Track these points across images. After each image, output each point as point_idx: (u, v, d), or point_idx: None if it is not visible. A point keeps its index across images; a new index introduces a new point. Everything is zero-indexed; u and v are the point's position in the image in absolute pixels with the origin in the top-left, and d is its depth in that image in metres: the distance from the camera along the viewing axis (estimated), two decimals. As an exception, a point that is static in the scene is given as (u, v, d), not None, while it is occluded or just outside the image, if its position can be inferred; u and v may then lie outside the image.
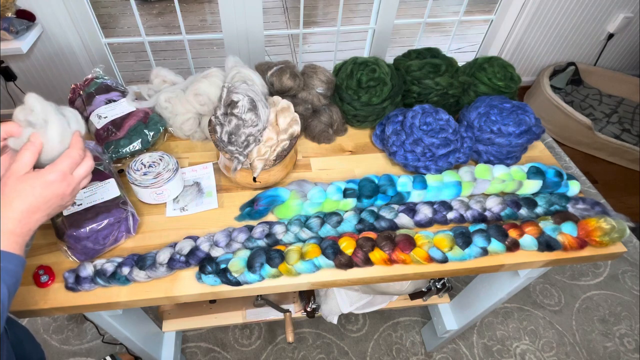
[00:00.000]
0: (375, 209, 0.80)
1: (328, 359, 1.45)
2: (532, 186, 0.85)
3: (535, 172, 0.85)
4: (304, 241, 0.76)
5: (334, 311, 1.26)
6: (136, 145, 0.87)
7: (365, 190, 0.81)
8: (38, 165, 0.55)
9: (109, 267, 0.68)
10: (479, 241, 0.75)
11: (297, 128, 0.82)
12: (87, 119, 0.90)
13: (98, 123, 0.87)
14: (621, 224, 0.75)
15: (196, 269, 0.72)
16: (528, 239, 0.76)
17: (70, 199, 0.57)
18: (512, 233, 0.76)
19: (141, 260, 0.69)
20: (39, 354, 0.86)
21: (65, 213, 0.70)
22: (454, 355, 1.48)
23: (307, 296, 1.27)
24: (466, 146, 0.89)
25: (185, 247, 0.71)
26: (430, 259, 0.74)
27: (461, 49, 3.22)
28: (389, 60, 1.08)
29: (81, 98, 0.93)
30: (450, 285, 1.27)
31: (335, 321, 1.29)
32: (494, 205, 0.81)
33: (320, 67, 0.97)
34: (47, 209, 0.54)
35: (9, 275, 0.48)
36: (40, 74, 2.05)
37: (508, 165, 0.90)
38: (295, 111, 0.85)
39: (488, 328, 1.56)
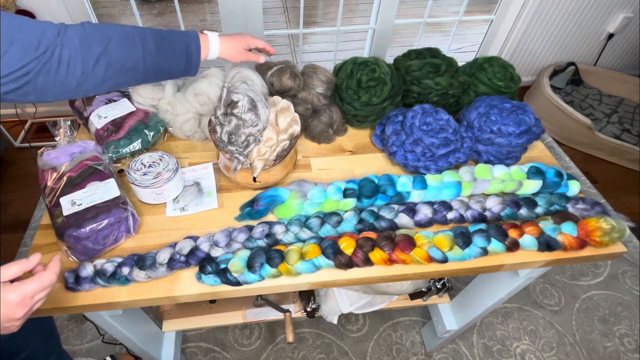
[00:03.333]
0: (375, 209, 0.80)
1: (328, 359, 1.45)
2: (532, 186, 0.85)
3: (535, 172, 0.85)
4: (304, 241, 0.76)
5: (334, 311, 1.26)
6: (136, 145, 0.87)
7: (365, 190, 0.81)
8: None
9: (109, 267, 0.68)
10: (479, 241, 0.75)
11: (297, 128, 0.82)
12: (87, 119, 0.90)
13: (98, 123, 0.87)
14: (621, 224, 0.75)
15: (196, 269, 0.72)
16: (528, 239, 0.76)
17: (17, 324, 0.52)
18: (512, 233, 0.76)
19: (141, 260, 0.69)
20: (52, 342, 0.86)
21: (65, 213, 0.70)
22: (454, 355, 1.48)
23: (307, 296, 1.27)
24: (466, 146, 0.89)
25: (185, 247, 0.71)
26: (430, 259, 0.74)
27: (461, 49, 3.22)
28: (389, 60, 1.08)
29: (81, 98, 0.93)
30: (450, 285, 1.27)
31: (335, 321, 1.29)
32: (494, 205, 0.81)
33: (320, 67, 0.97)
34: None
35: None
36: (40, 74, 2.05)
37: (508, 165, 0.90)
38: (295, 111, 0.85)
39: (488, 328, 1.56)
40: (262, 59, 0.90)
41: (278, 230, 0.76)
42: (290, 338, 1.19)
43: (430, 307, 1.42)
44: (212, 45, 0.77)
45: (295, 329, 1.50)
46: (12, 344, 0.79)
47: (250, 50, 0.87)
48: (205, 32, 0.78)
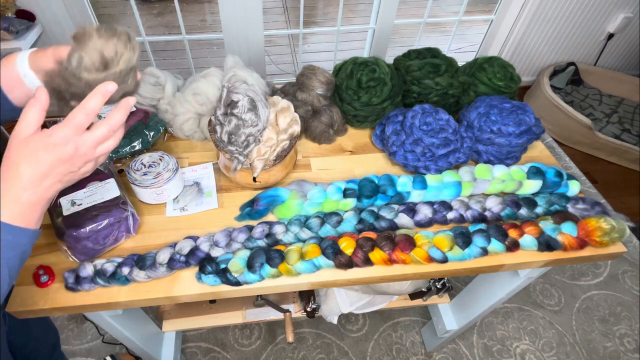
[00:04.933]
0: (375, 209, 0.80)
1: (328, 359, 1.45)
2: (532, 186, 0.85)
3: (535, 172, 0.85)
4: (304, 241, 0.76)
5: (334, 311, 1.26)
6: (136, 145, 0.87)
7: (365, 190, 0.81)
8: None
9: (109, 267, 0.68)
10: (479, 241, 0.75)
11: (297, 128, 0.82)
12: (87, 119, 0.90)
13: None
14: (621, 224, 0.75)
15: (196, 269, 0.72)
16: (528, 239, 0.76)
17: (83, 165, 0.49)
18: (512, 233, 0.76)
19: (141, 260, 0.69)
20: (52, 337, 0.86)
21: (65, 213, 0.70)
22: (454, 355, 1.48)
23: (307, 296, 1.27)
24: (466, 146, 0.89)
25: (185, 247, 0.71)
26: (430, 259, 0.74)
27: (461, 49, 3.22)
28: (389, 60, 1.08)
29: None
30: (450, 285, 1.27)
31: (335, 321, 1.29)
32: (494, 205, 0.81)
33: (319, 68, 0.97)
34: (57, 175, 0.47)
35: (9, 249, 0.44)
36: (40, 74, 2.05)
37: (508, 165, 0.90)
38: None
39: (488, 328, 1.56)
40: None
41: (278, 230, 0.76)
42: (290, 338, 1.19)
43: (430, 307, 1.42)
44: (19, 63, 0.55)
45: (295, 329, 1.50)
46: (15, 338, 0.78)
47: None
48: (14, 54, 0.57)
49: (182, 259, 0.70)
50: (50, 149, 0.46)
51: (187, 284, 0.71)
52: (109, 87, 0.49)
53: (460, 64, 1.08)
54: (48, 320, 0.87)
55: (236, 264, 0.70)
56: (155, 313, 1.47)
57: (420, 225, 0.80)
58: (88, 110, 0.48)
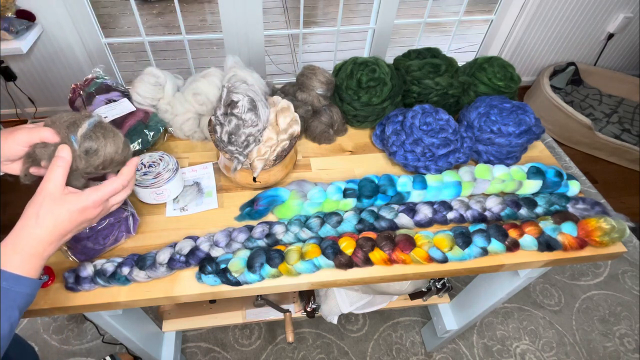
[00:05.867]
0: (375, 209, 0.80)
1: (328, 359, 1.45)
2: (532, 186, 0.85)
3: (535, 172, 0.85)
4: (304, 241, 0.76)
5: (334, 311, 1.26)
6: (136, 145, 0.87)
7: (365, 190, 0.81)
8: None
9: (109, 267, 0.68)
10: (479, 241, 0.75)
11: (297, 128, 0.82)
12: (87, 119, 0.90)
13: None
14: (621, 224, 0.75)
15: (196, 269, 0.72)
16: (528, 239, 0.76)
17: (94, 222, 0.57)
18: (512, 233, 0.76)
19: (141, 260, 0.69)
20: (30, 357, 0.85)
21: (65, 213, 0.70)
22: (454, 355, 1.48)
23: (307, 296, 1.27)
24: (466, 146, 0.89)
25: (185, 247, 0.71)
26: (430, 259, 0.74)
27: (461, 49, 3.22)
28: (389, 60, 1.08)
29: (81, 98, 0.93)
30: (450, 285, 1.27)
31: (335, 321, 1.29)
32: (494, 205, 0.81)
33: (319, 68, 0.97)
34: (73, 232, 0.53)
35: (23, 299, 0.48)
36: (40, 74, 2.05)
37: (508, 165, 0.90)
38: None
39: (488, 328, 1.56)
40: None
41: (278, 230, 0.76)
42: (290, 338, 1.19)
43: (430, 307, 1.42)
44: None
45: (295, 329, 1.50)
46: None
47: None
48: None
49: (182, 259, 0.70)
50: (82, 210, 0.51)
51: (187, 284, 0.71)
52: (135, 162, 0.59)
53: (460, 64, 1.08)
54: (22, 341, 0.86)
55: (236, 264, 0.70)
56: (155, 313, 1.47)
57: (420, 225, 0.80)
58: (123, 182, 0.56)
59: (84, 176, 0.57)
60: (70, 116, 0.56)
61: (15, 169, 0.56)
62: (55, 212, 0.49)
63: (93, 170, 0.57)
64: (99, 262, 0.69)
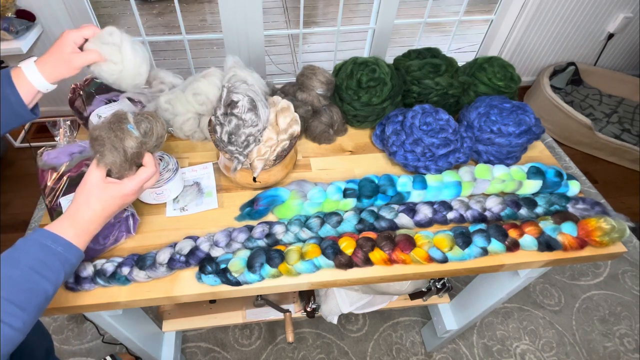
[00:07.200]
0: (375, 209, 0.80)
1: (328, 359, 1.45)
2: (532, 186, 0.85)
3: (535, 172, 0.85)
4: (304, 241, 0.76)
5: (334, 311, 1.26)
6: (136, 145, 0.87)
7: (365, 190, 0.81)
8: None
9: (109, 267, 0.68)
10: (479, 241, 0.75)
11: (297, 128, 0.82)
12: (87, 119, 0.90)
13: (98, 123, 0.87)
14: (621, 224, 0.75)
15: (196, 269, 0.72)
16: (528, 239, 0.76)
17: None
18: (512, 233, 0.76)
19: (141, 260, 0.69)
20: (46, 343, 0.86)
21: (65, 213, 0.70)
22: (454, 355, 1.48)
23: (307, 296, 1.27)
24: (466, 146, 0.89)
25: (185, 247, 0.71)
26: (430, 259, 0.74)
27: (461, 49, 3.22)
28: (389, 60, 1.08)
29: (81, 98, 0.93)
30: (450, 285, 1.27)
31: (335, 321, 1.29)
32: (494, 205, 0.81)
33: (319, 69, 0.97)
34: (115, 214, 0.62)
35: (69, 267, 0.56)
36: (40, 74, 2.04)
37: (508, 165, 0.90)
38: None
39: (488, 328, 1.56)
40: (97, 56, 0.71)
41: (278, 230, 0.76)
42: (290, 338, 1.19)
43: (430, 307, 1.42)
44: (30, 76, 0.65)
45: (295, 329, 1.50)
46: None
47: (82, 45, 0.72)
48: (19, 64, 0.66)
49: (182, 259, 0.70)
50: (122, 197, 0.61)
51: (187, 284, 0.71)
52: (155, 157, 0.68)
53: (460, 64, 1.08)
54: (41, 325, 0.87)
55: (236, 264, 0.70)
56: (155, 313, 1.47)
57: (420, 225, 0.80)
58: (152, 169, 0.64)
59: (136, 163, 0.64)
60: (108, 119, 0.64)
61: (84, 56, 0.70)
62: (101, 198, 0.59)
63: (151, 149, 0.65)
64: (99, 262, 0.69)
